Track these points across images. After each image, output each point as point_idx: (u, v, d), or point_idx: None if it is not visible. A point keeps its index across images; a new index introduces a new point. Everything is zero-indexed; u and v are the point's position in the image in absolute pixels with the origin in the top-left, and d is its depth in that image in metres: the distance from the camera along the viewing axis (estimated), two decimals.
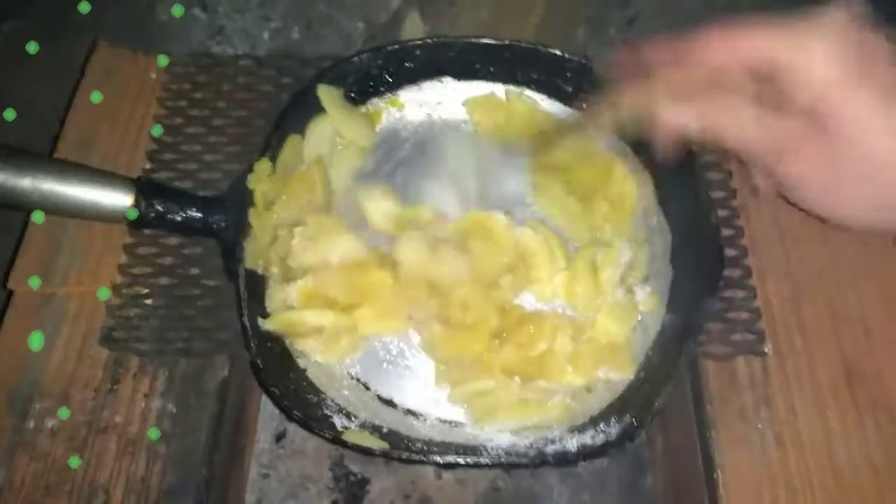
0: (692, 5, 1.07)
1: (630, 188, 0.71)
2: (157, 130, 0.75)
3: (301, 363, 0.66)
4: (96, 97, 0.77)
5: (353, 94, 0.75)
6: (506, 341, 0.65)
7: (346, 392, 0.65)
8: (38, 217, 0.69)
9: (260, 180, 0.67)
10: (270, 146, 0.69)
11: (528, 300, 0.68)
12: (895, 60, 0.43)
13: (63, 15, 0.99)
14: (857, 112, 0.43)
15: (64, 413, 0.63)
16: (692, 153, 0.67)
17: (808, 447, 0.62)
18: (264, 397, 0.80)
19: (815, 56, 0.43)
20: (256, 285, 0.65)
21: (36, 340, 0.65)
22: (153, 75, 0.80)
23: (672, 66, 0.49)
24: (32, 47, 0.82)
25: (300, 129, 0.72)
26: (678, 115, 0.49)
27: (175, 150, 0.75)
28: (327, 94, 0.72)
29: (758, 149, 0.47)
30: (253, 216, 0.66)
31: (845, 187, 0.45)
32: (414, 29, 1.01)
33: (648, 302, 0.67)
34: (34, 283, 0.68)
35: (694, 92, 0.48)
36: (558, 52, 0.73)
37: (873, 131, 0.43)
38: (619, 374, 0.65)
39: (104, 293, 0.67)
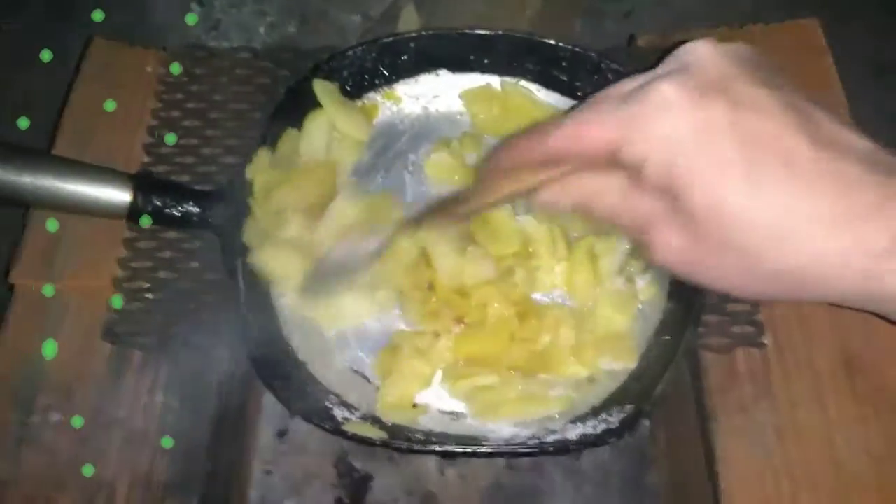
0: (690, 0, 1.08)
1: None
2: (171, 139, 0.75)
3: (301, 356, 0.66)
4: (100, 97, 0.76)
5: (348, 88, 0.75)
6: (514, 337, 0.65)
7: (346, 385, 0.65)
8: (51, 225, 0.70)
9: (259, 171, 0.67)
10: (268, 138, 0.69)
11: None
12: (755, 126, 0.41)
13: (61, 11, 0.99)
14: (707, 193, 0.41)
15: (78, 421, 0.63)
16: None
17: (808, 437, 0.62)
18: (266, 394, 0.80)
19: (653, 140, 0.42)
20: (255, 278, 0.65)
21: (49, 348, 0.65)
22: (149, 69, 0.80)
23: (534, 163, 0.49)
24: (46, 55, 0.81)
25: (297, 122, 0.72)
26: (552, 199, 0.50)
27: (173, 144, 0.75)
28: (323, 89, 0.72)
29: (627, 226, 0.48)
30: (253, 205, 0.66)
31: (711, 261, 0.44)
32: (410, 22, 1.02)
33: (648, 290, 0.67)
34: (37, 285, 0.68)
35: (561, 178, 0.48)
36: (552, 42, 0.73)
37: (730, 213, 0.41)
38: (622, 364, 0.65)
39: (118, 301, 0.67)
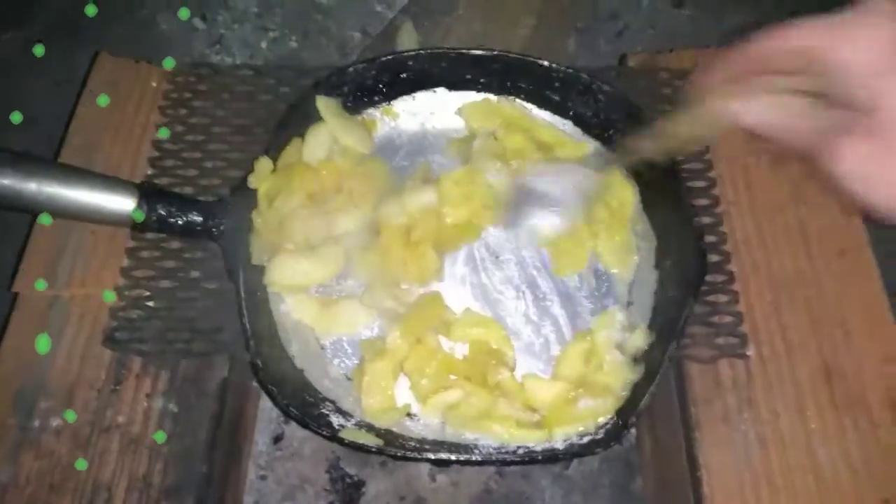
0: (680, 20, 1.10)
1: (628, 195, 0.73)
2: (164, 132, 0.77)
3: (299, 364, 0.67)
4: (103, 100, 0.79)
5: (348, 104, 0.77)
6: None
7: (342, 392, 0.67)
8: (45, 219, 0.71)
9: (261, 179, 0.69)
10: (271, 149, 0.71)
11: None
12: None
13: (66, 24, 1.00)
14: None
15: (71, 415, 0.64)
16: (675, 162, 0.70)
17: (789, 447, 0.64)
18: (262, 400, 0.82)
19: (860, 46, 0.44)
20: (256, 287, 0.67)
21: (43, 344, 0.67)
22: (154, 84, 0.82)
23: (737, 73, 0.51)
24: (39, 50, 0.83)
25: (299, 135, 0.74)
26: (741, 111, 0.52)
27: (176, 157, 0.77)
28: (325, 105, 0.74)
29: (809, 141, 0.49)
30: (255, 215, 0.68)
31: (893, 168, 0.46)
32: (408, 39, 1.03)
33: (638, 338, 0.68)
34: (40, 292, 0.69)
35: (751, 91, 0.51)
36: (546, 63, 0.75)
37: None
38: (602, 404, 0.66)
39: (109, 296, 0.69)
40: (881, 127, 0.44)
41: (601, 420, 0.64)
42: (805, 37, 0.46)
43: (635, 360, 0.66)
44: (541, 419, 0.65)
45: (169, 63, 0.82)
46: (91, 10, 0.89)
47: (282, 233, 0.69)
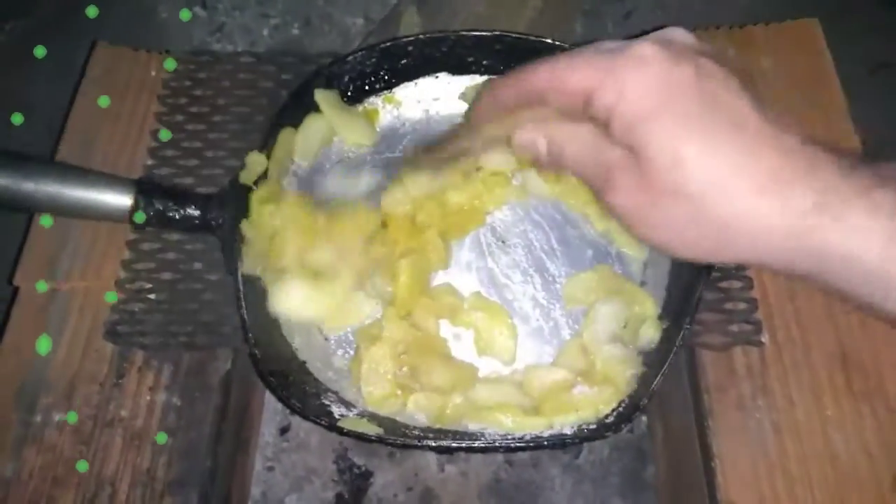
0: (689, 0, 1.08)
1: None
2: (165, 135, 0.76)
3: (300, 355, 0.66)
4: (104, 101, 0.78)
5: (350, 93, 0.76)
6: None
7: (345, 383, 0.66)
8: (45, 221, 0.71)
9: (252, 176, 0.68)
10: (265, 143, 0.70)
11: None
12: (718, 93, 0.45)
13: (65, 15, 0.99)
14: (666, 143, 0.44)
15: (72, 416, 0.64)
16: None
17: (805, 435, 0.63)
18: (268, 392, 0.81)
19: (626, 90, 0.45)
20: (255, 278, 0.66)
21: (43, 345, 0.66)
22: (154, 73, 0.80)
23: (518, 103, 0.51)
24: (40, 51, 0.82)
25: (295, 125, 0.73)
26: (529, 140, 0.53)
27: (176, 147, 0.76)
28: (325, 99, 0.73)
29: (588, 173, 0.50)
30: (247, 226, 0.66)
31: (663, 220, 0.47)
32: (411, 24, 1.02)
33: (649, 329, 0.66)
34: (41, 286, 0.69)
35: (540, 119, 0.51)
36: (548, 41, 0.74)
37: (684, 163, 0.44)
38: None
39: (111, 296, 0.68)
40: (646, 171, 0.45)
41: (603, 410, 0.63)
42: (578, 77, 0.47)
43: (642, 351, 0.65)
44: (536, 406, 0.64)
45: (170, 64, 0.80)
46: (92, 12, 0.88)
47: (275, 249, 0.67)
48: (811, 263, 0.44)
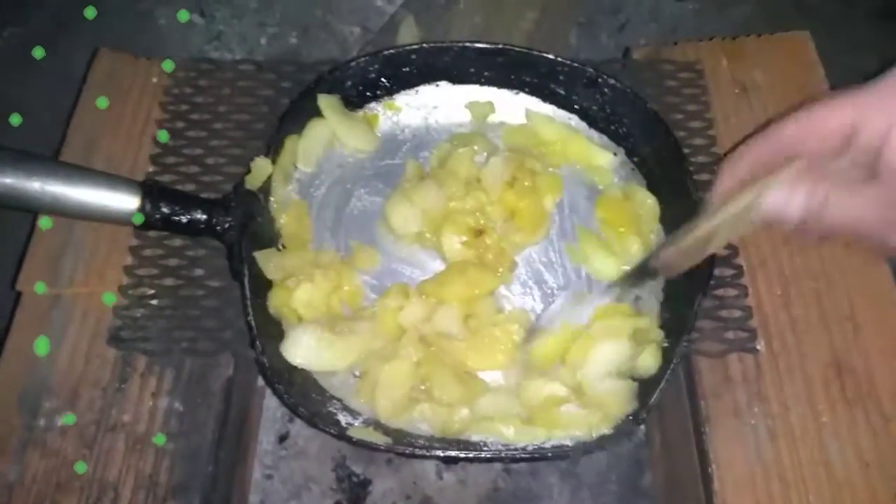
0: (682, 13, 1.10)
1: (652, 204, 0.73)
2: (163, 136, 0.76)
3: None
4: (102, 103, 0.78)
5: (351, 99, 0.76)
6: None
7: (349, 391, 0.66)
8: (44, 223, 0.71)
9: (258, 181, 0.68)
10: (269, 149, 0.70)
11: None
12: None
13: (65, 21, 0.99)
14: None
15: (70, 419, 0.64)
16: (682, 157, 0.70)
17: (800, 441, 0.64)
18: (267, 399, 0.81)
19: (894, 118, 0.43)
20: (260, 284, 0.66)
21: (42, 346, 0.66)
22: (155, 80, 0.81)
23: (763, 166, 0.48)
24: (38, 52, 0.82)
25: (299, 132, 0.74)
26: (782, 204, 0.47)
27: (177, 154, 0.76)
28: (328, 104, 0.74)
29: (868, 220, 0.45)
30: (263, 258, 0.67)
31: None
32: (408, 34, 1.03)
33: (648, 359, 0.65)
34: (44, 291, 0.69)
35: (795, 178, 0.47)
36: (551, 56, 0.75)
37: None
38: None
39: (109, 298, 0.68)
40: None
41: (595, 431, 0.63)
42: (839, 115, 0.44)
43: (637, 379, 0.65)
44: (532, 417, 0.64)
45: (168, 66, 0.81)
46: (90, 13, 0.89)
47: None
48: None
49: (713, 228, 0.52)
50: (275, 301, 0.66)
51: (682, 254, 0.57)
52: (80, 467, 0.62)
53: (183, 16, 1.03)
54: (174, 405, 0.65)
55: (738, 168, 0.50)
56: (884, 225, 0.44)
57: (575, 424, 0.63)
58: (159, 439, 0.63)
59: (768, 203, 0.47)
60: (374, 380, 0.64)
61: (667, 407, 0.73)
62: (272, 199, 0.70)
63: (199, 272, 0.70)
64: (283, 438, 0.81)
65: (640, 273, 0.65)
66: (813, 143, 0.45)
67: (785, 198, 0.46)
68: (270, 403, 0.81)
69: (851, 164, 0.45)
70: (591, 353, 0.64)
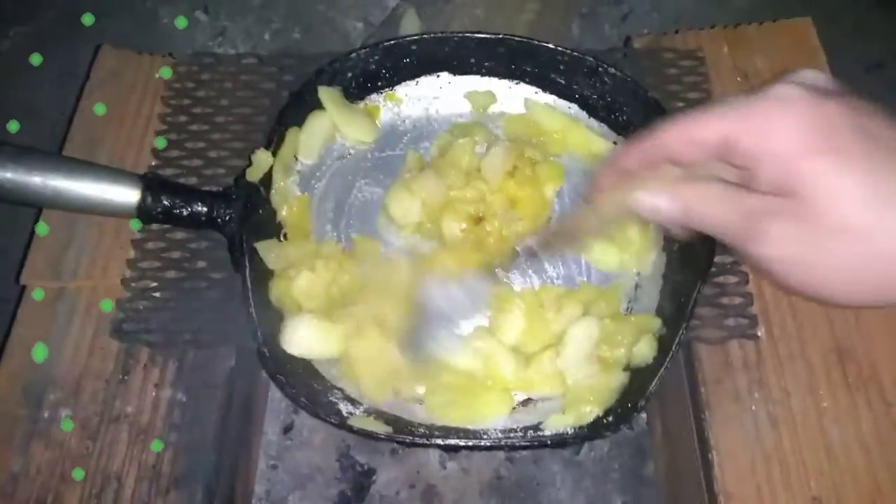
0: (685, 2, 1.09)
1: None
2: (161, 142, 0.77)
3: None
4: (100, 109, 0.79)
5: (352, 90, 0.76)
6: None
7: (346, 379, 0.66)
8: (41, 229, 0.72)
9: (259, 174, 0.68)
10: (271, 141, 0.71)
11: None
12: (869, 126, 0.43)
13: (70, 20, 1.00)
14: (828, 180, 0.42)
15: (67, 425, 0.64)
16: None
17: (801, 426, 0.64)
18: (272, 390, 0.82)
19: (774, 130, 0.43)
20: (262, 276, 0.67)
21: (39, 352, 0.67)
22: (157, 75, 0.81)
23: (641, 165, 0.50)
24: (36, 59, 0.83)
25: (300, 124, 0.74)
26: (654, 199, 0.49)
27: (180, 148, 0.77)
28: (329, 96, 0.74)
29: (729, 228, 0.46)
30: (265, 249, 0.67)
31: (827, 263, 0.44)
32: (410, 26, 1.03)
33: (644, 347, 0.65)
34: (47, 285, 0.70)
35: (665, 180, 0.49)
36: (551, 46, 0.75)
37: (850, 199, 0.42)
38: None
39: (107, 305, 0.69)
40: (806, 213, 0.43)
41: (583, 418, 0.63)
42: (716, 126, 0.45)
43: (629, 368, 0.64)
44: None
45: (166, 73, 0.81)
46: (88, 20, 0.89)
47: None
48: None
49: (585, 219, 0.57)
50: (276, 291, 0.66)
51: (556, 237, 0.63)
52: (78, 474, 0.62)
53: (181, 22, 1.03)
54: (177, 396, 0.66)
55: (619, 164, 0.51)
56: (744, 234, 0.45)
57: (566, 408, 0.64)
58: (156, 445, 0.64)
59: (638, 203, 0.50)
60: (353, 358, 0.64)
61: (667, 395, 0.73)
62: (273, 191, 0.70)
63: (201, 264, 0.71)
64: (287, 429, 0.81)
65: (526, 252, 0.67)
66: (691, 149, 0.47)
67: (654, 200, 0.49)
68: (275, 394, 0.82)
69: (729, 169, 0.47)
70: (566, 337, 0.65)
